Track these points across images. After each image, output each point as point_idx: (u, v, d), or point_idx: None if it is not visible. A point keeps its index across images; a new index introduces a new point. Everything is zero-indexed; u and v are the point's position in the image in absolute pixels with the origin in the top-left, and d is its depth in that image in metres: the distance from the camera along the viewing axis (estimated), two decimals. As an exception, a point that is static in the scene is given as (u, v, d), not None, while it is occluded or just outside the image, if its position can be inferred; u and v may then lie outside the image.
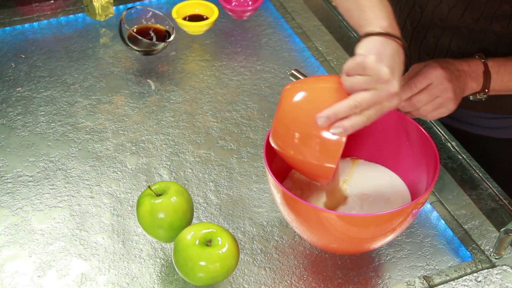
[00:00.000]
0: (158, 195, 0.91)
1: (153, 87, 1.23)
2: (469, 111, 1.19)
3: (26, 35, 1.34)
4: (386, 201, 0.96)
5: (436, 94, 0.96)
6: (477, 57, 1.03)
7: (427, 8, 1.13)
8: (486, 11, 1.07)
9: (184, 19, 1.34)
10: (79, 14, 1.39)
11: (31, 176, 1.06)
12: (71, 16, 1.39)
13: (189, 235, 0.87)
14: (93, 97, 1.21)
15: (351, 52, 1.30)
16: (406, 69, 1.19)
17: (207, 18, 1.34)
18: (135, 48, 1.26)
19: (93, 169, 1.07)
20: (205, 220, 1.00)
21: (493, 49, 1.10)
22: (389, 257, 0.95)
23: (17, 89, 1.22)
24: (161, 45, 1.26)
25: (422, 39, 1.16)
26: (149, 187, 0.92)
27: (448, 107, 0.97)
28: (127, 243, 0.96)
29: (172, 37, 1.26)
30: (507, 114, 1.18)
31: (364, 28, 0.87)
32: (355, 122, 0.82)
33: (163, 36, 1.29)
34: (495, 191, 1.03)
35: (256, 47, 1.34)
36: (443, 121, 1.21)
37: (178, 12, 1.34)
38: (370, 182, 0.99)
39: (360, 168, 1.01)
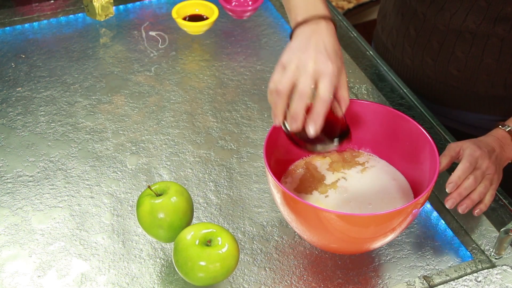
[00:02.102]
0: (158, 195, 0.91)
1: (153, 87, 1.23)
2: (472, 113, 1.19)
3: (26, 35, 1.34)
4: (389, 199, 0.96)
5: (483, 175, 0.98)
6: (500, 127, 1.05)
7: (429, 14, 1.13)
8: (488, 14, 1.07)
9: (184, 19, 1.34)
10: (79, 14, 1.39)
11: (31, 176, 1.06)
12: (71, 16, 1.39)
13: (189, 235, 0.87)
14: (93, 97, 1.21)
15: (351, 52, 1.31)
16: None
17: (207, 18, 1.34)
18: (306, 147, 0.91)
19: (93, 169, 1.07)
20: (205, 220, 1.00)
21: (496, 53, 1.10)
22: (389, 257, 0.95)
23: (17, 89, 1.22)
24: (334, 144, 0.91)
25: (426, 43, 1.16)
26: (149, 187, 0.92)
27: (495, 185, 0.99)
28: (127, 243, 0.96)
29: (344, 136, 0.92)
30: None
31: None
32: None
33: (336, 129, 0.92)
34: (495, 191, 1.03)
35: (256, 47, 1.34)
36: (444, 121, 1.21)
37: (178, 12, 1.34)
38: (373, 178, 0.99)
39: (367, 162, 1.01)
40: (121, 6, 1.42)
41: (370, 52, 1.30)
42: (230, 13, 1.38)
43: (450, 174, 1.06)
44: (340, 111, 0.89)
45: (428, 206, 1.02)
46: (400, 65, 1.25)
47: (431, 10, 1.13)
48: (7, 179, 1.05)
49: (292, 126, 0.85)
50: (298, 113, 0.83)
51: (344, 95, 0.89)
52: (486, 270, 0.93)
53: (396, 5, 1.22)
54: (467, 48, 1.12)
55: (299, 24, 0.89)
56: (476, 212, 0.96)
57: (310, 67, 0.84)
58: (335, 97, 0.88)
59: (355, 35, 1.35)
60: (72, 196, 1.03)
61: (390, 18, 1.25)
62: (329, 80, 0.84)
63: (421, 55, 1.18)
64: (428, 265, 0.94)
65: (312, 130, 0.84)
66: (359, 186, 0.97)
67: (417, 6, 1.15)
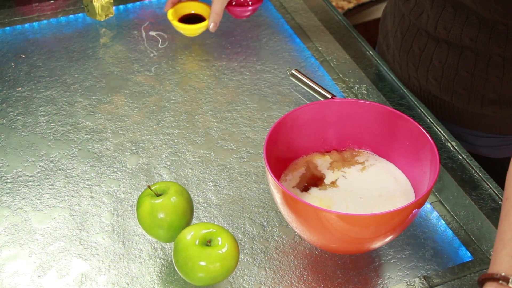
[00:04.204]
0: (158, 195, 0.91)
1: (153, 87, 1.23)
2: (455, 126, 1.19)
3: (26, 35, 1.34)
4: (388, 197, 0.96)
5: None
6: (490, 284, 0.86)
7: (412, 17, 1.13)
8: (456, 21, 1.06)
9: (180, 20, 1.33)
10: (79, 14, 1.39)
11: (31, 176, 1.06)
12: (71, 16, 1.39)
13: (189, 235, 0.87)
14: (93, 97, 1.21)
15: (351, 52, 1.31)
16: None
17: (204, 19, 1.33)
18: None
19: (93, 169, 1.07)
20: (205, 220, 1.00)
21: (471, 67, 1.09)
22: (389, 257, 0.95)
23: (17, 89, 1.22)
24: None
25: (409, 49, 1.16)
26: (149, 187, 0.92)
27: None
28: (127, 243, 0.96)
29: None
30: (495, 134, 1.18)
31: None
32: None
33: None
34: (495, 191, 1.03)
35: (256, 47, 1.34)
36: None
37: (173, 14, 1.32)
38: (373, 176, 0.99)
39: (367, 161, 1.01)
40: (121, 6, 1.42)
41: (370, 52, 1.30)
42: (230, 13, 1.38)
43: (451, 175, 1.06)
44: None
45: (428, 206, 1.02)
46: (392, 68, 1.25)
47: (413, 13, 1.12)
48: (7, 179, 1.05)
49: None
50: None
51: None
52: (486, 270, 0.93)
53: (392, 6, 1.22)
54: (444, 58, 1.11)
55: None
56: None
57: None
58: None
59: (355, 35, 1.35)
60: (72, 196, 1.03)
61: (386, 20, 1.25)
62: None
63: (406, 60, 1.18)
64: (428, 265, 0.94)
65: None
66: (359, 185, 0.97)
67: (403, 8, 1.15)
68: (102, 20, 1.37)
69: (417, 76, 1.17)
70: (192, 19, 1.33)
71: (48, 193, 1.03)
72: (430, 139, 0.93)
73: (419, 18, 1.11)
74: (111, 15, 1.38)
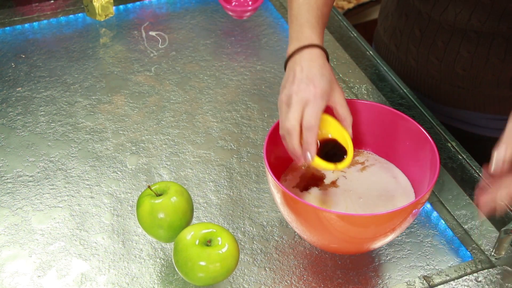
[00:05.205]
0: (158, 195, 0.91)
1: (153, 87, 1.23)
2: (477, 113, 1.19)
3: (26, 35, 1.34)
4: (388, 197, 0.96)
5: None
6: None
7: (433, 14, 1.13)
8: (493, 12, 1.07)
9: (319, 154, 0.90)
10: (79, 14, 1.39)
11: (31, 176, 1.06)
12: (71, 16, 1.39)
13: (189, 235, 0.87)
14: (93, 97, 1.21)
15: (351, 52, 1.31)
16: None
17: (339, 146, 0.92)
18: None
19: (93, 169, 1.07)
20: (205, 220, 1.00)
21: (502, 53, 1.10)
22: (389, 257, 0.95)
23: (17, 89, 1.22)
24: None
25: (431, 44, 1.16)
26: (149, 187, 0.92)
27: None
28: (127, 243, 0.96)
29: None
30: None
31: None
32: None
33: None
34: (495, 191, 1.03)
35: (256, 47, 1.34)
36: (447, 122, 1.22)
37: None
38: (373, 176, 0.99)
39: (367, 161, 1.01)
40: (121, 6, 1.42)
41: (370, 52, 1.30)
42: (230, 13, 1.38)
43: (451, 175, 1.06)
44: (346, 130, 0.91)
45: (428, 206, 1.02)
46: (404, 66, 1.25)
47: (435, 10, 1.13)
48: (7, 179, 1.05)
49: (306, 158, 0.87)
50: (307, 144, 0.86)
51: (343, 113, 0.90)
52: (486, 270, 0.93)
53: (399, 5, 1.22)
54: (473, 48, 1.12)
55: (287, 59, 0.92)
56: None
57: (294, 99, 0.86)
58: (335, 117, 0.90)
59: (355, 35, 1.35)
60: (72, 196, 1.03)
61: (393, 19, 1.25)
62: (311, 105, 0.86)
63: (426, 56, 1.18)
64: (428, 265, 0.94)
65: (308, 158, 0.86)
66: (358, 185, 0.97)
67: (421, 7, 1.15)
68: (102, 20, 1.37)
69: (441, 69, 1.17)
70: (328, 148, 0.93)
71: (48, 193, 1.03)
72: (430, 139, 0.93)
73: (443, 13, 1.11)
74: (111, 15, 1.38)
